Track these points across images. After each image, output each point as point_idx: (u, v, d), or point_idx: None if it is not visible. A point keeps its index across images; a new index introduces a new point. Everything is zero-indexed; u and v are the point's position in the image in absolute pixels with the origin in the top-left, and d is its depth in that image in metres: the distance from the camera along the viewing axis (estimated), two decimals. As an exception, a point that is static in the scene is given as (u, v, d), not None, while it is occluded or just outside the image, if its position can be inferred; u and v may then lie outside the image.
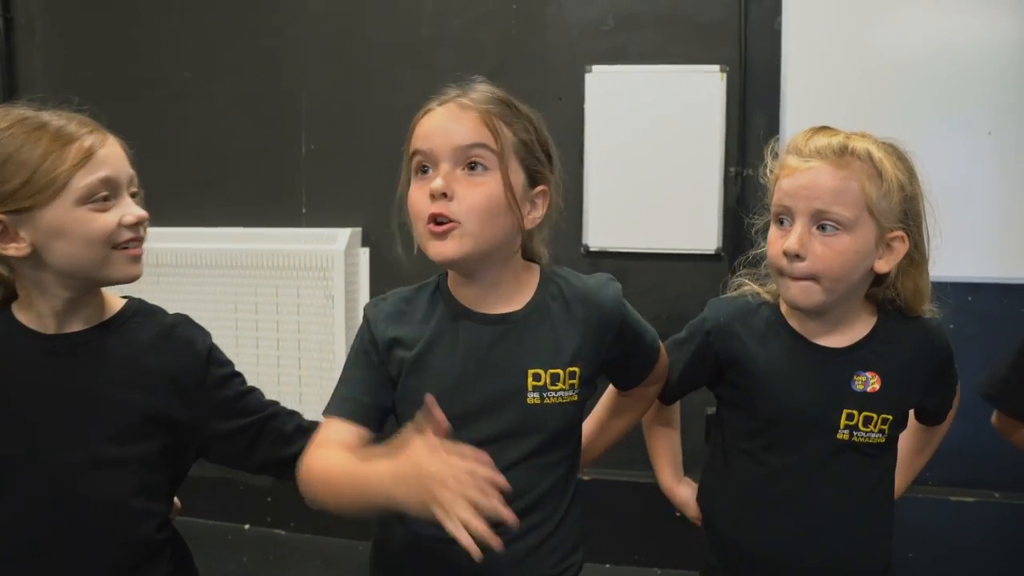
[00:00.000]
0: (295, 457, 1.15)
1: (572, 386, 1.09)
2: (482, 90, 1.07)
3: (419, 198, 1.04)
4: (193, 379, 1.12)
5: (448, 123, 1.04)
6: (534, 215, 1.09)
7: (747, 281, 1.29)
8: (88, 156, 1.02)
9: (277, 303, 2.70)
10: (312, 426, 1.24)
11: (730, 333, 1.23)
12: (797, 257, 1.12)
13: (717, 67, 2.45)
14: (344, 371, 1.13)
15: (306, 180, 2.79)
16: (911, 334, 1.21)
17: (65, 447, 1.05)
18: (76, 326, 1.09)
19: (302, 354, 2.70)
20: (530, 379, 1.07)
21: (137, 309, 1.14)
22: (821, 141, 1.14)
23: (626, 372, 1.23)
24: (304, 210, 2.79)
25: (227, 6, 2.82)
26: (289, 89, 2.78)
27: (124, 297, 1.15)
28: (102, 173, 1.03)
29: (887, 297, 1.21)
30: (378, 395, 1.09)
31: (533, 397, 1.07)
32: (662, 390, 1.31)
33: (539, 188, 1.09)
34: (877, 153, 1.13)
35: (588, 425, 1.28)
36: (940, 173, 2.24)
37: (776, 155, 1.21)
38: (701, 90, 2.46)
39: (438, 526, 0.84)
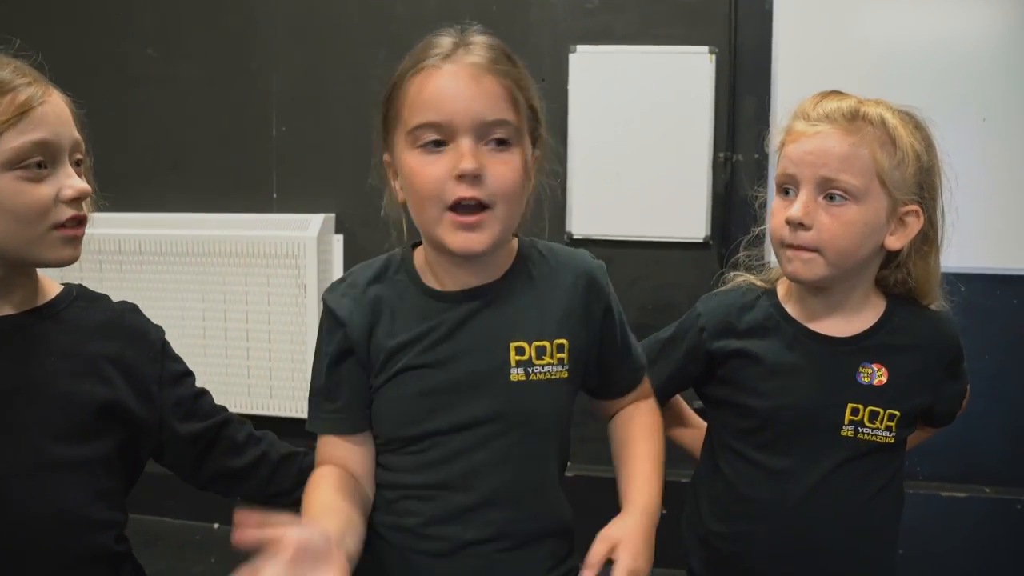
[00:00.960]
0: (244, 471, 1.08)
1: (561, 360, 0.98)
2: (484, 43, 0.94)
3: (436, 176, 0.90)
4: (149, 371, 1.01)
5: (467, 90, 0.89)
6: (531, 182, 0.99)
7: (740, 273, 1.23)
8: (22, 112, 0.87)
9: (246, 292, 2.61)
10: (263, 435, 1.15)
11: (726, 329, 1.16)
12: (801, 226, 1.05)
13: (706, 49, 2.39)
14: (320, 375, 1.01)
15: (277, 164, 2.70)
16: (921, 326, 1.14)
17: (0, 451, 0.90)
18: (5, 310, 0.94)
19: (273, 345, 2.61)
20: (513, 353, 0.96)
21: (79, 294, 1.01)
22: (831, 105, 1.07)
23: (608, 374, 1.10)
24: (275, 195, 2.70)
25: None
26: (259, 68, 2.69)
27: (63, 284, 1.01)
28: (37, 135, 0.88)
29: (897, 280, 1.14)
30: (364, 394, 1.00)
31: (517, 373, 0.96)
32: None
33: (536, 153, 0.98)
34: (892, 119, 1.06)
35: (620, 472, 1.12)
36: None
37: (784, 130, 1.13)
38: (689, 72, 2.41)
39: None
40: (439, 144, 0.91)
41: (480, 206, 0.90)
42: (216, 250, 2.62)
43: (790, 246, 1.07)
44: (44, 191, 0.90)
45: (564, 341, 0.98)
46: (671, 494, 1.38)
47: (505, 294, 0.99)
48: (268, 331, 2.61)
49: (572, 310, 1.01)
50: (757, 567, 1.15)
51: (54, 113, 0.91)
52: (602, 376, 1.07)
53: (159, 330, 1.07)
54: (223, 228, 2.63)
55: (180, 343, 1.06)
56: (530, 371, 0.97)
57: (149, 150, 2.75)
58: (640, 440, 1.08)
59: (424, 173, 0.91)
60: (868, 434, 1.10)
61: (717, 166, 2.41)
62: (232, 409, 1.13)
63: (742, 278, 1.21)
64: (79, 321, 0.98)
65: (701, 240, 2.42)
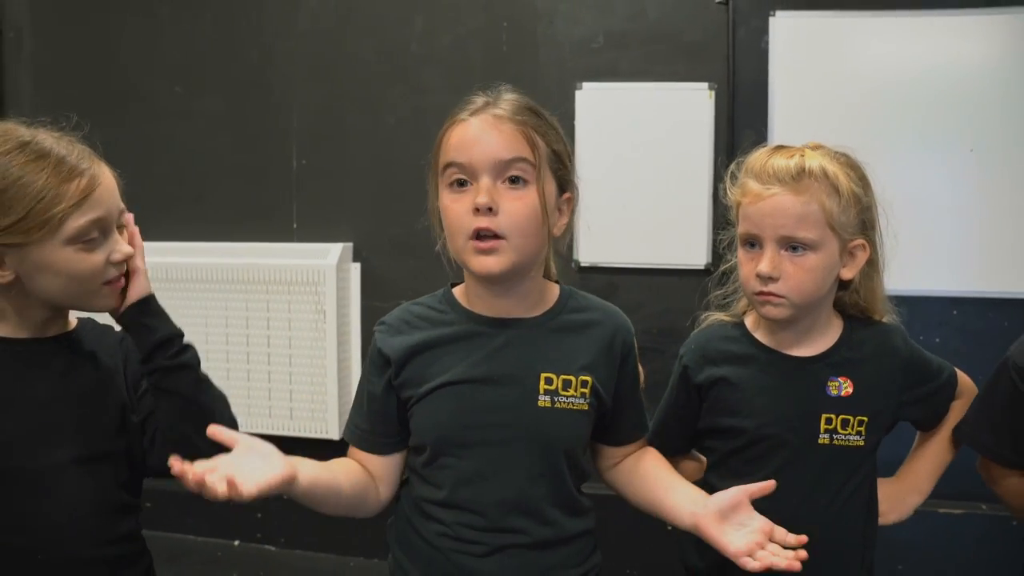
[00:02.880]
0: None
1: (583, 395, 1.10)
2: (511, 99, 1.07)
3: (459, 211, 1.04)
4: (138, 381, 1.15)
5: (486, 135, 1.03)
6: (562, 222, 1.11)
7: (711, 312, 1.34)
8: (85, 197, 1.01)
9: (268, 318, 2.70)
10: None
11: (705, 361, 1.27)
12: (770, 279, 1.17)
13: (705, 85, 2.48)
14: (361, 399, 1.17)
15: (297, 195, 2.80)
16: (873, 340, 1.27)
17: (49, 448, 1.05)
18: (50, 332, 1.10)
19: (293, 369, 2.69)
20: (542, 382, 1.08)
21: (92, 324, 1.17)
22: (779, 163, 1.18)
23: (616, 421, 1.19)
24: (295, 225, 2.79)
25: (216, 24, 2.83)
26: (279, 105, 2.79)
27: (77, 317, 1.17)
28: (95, 214, 1.03)
29: (851, 302, 1.27)
30: (377, 422, 1.14)
31: (544, 400, 1.08)
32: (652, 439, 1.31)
33: (566, 195, 1.11)
34: (832, 168, 1.18)
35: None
36: (923, 189, 2.34)
37: (735, 177, 1.25)
38: (690, 107, 2.49)
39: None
40: (463, 184, 1.04)
41: (495, 236, 1.03)
42: (239, 277, 2.70)
43: (761, 293, 1.19)
44: (98, 258, 1.05)
45: (588, 379, 1.10)
46: None
47: (541, 330, 1.11)
48: (289, 355, 2.69)
49: (599, 354, 1.12)
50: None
51: (107, 192, 1.06)
52: (611, 421, 1.18)
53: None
54: (246, 256, 2.71)
55: (204, 366, 1.17)
56: (556, 400, 1.09)
57: (176, 182, 2.84)
58: (662, 466, 1.21)
59: (452, 208, 1.05)
60: (842, 440, 1.22)
61: (717, 196, 2.42)
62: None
63: (713, 317, 1.33)
64: (97, 344, 1.15)
65: (703, 267, 2.49)
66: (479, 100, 1.07)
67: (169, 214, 2.74)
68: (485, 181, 1.03)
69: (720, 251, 1.34)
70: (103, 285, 1.06)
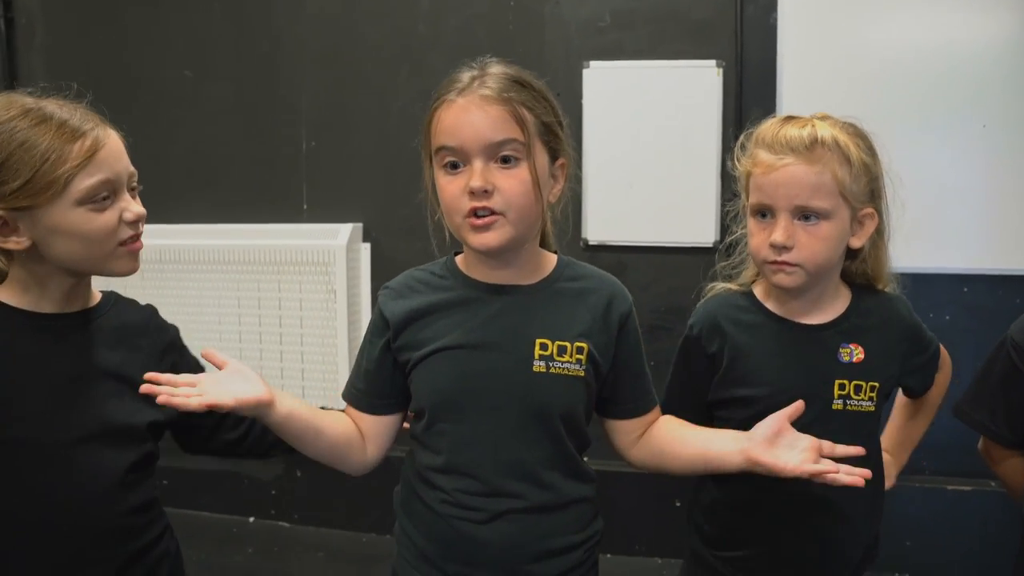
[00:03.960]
0: (241, 439, 1.27)
1: (579, 361, 1.11)
2: (497, 74, 1.08)
3: (455, 192, 1.06)
4: (171, 358, 1.19)
5: (475, 118, 1.04)
6: (556, 188, 1.13)
7: (716, 283, 1.35)
8: (90, 157, 1.03)
9: (280, 298, 2.73)
10: None
11: (716, 329, 1.28)
12: (784, 248, 1.18)
13: (713, 63, 2.47)
14: (361, 360, 1.19)
15: (307, 177, 2.81)
16: (880, 308, 1.29)
17: (69, 422, 1.06)
18: (74, 307, 1.12)
19: (305, 348, 2.72)
20: (537, 348, 1.10)
21: (116, 299, 1.19)
22: (791, 133, 1.19)
23: (622, 391, 1.20)
24: (305, 206, 2.81)
25: (225, 8, 2.83)
26: (288, 88, 2.80)
27: (101, 292, 1.18)
28: (102, 175, 1.04)
29: (858, 271, 1.28)
30: (372, 383, 1.17)
31: (539, 365, 1.10)
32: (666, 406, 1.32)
33: (559, 162, 1.12)
34: (843, 138, 1.18)
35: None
36: (935, 166, 2.32)
37: (744, 147, 1.25)
38: (697, 85, 2.48)
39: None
40: (455, 166, 1.07)
41: (492, 213, 1.05)
42: (251, 259, 2.73)
43: (775, 262, 1.20)
44: (109, 216, 1.06)
45: (584, 345, 1.12)
46: (675, 485, 1.46)
47: (536, 297, 1.13)
48: (300, 334, 2.72)
49: (595, 321, 1.14)
50: (757, 533, 1.26)
51: (114, 153, 1.07)
52: (616, 392, 1.18)
53: (175, 328, 1.25)
54: (257, 238, 2.74)
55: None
56: (551, 365, 1.10)
57: (187, 165, 2.86)
58: (687, 425, 1.22)
59: (447, 189, 1.07)
60: (855, 405, 1.23)
61: (725, 174, 2.46)
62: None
63: (720, 287, 1.34)
64: (120, 319, 1.16)
65: (710, 245, 2.49)
66: (465, 77, 1.08)
67: (181, 197, 2.77)
68: (478, 164, 1.05)
69: (726, 223, 1.34)
70: (118, 246, 1.07)
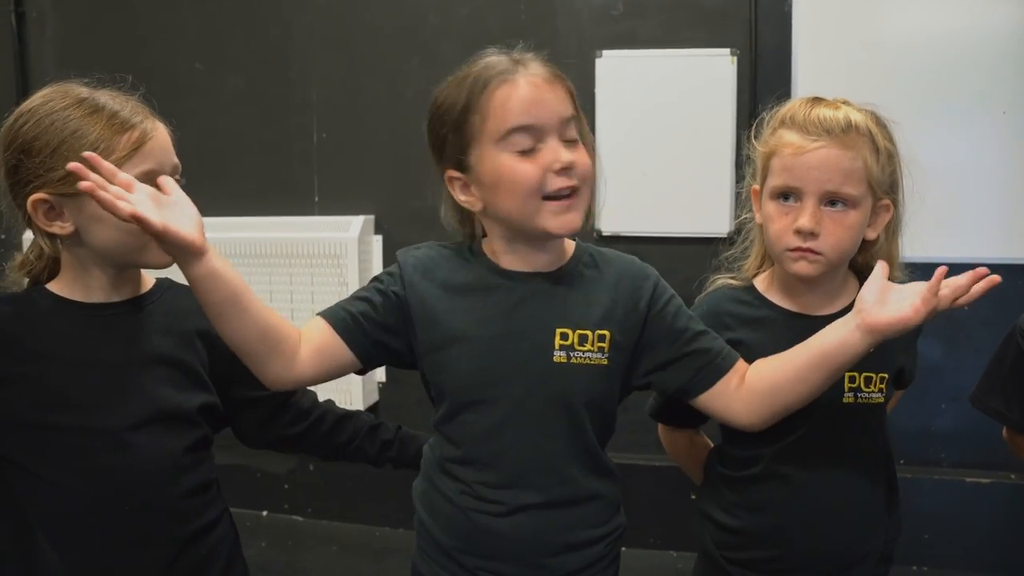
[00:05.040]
0: (302, 435, 1.28)
1: (601, 349, 1.08)
2: (535, 57, 1.08)
3: (533, 173, 1.03)
4: (211, 340, 1.16)
5: (547, 95, 1.04)
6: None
7: (717, 276, 1.31)
8: (136, 148, 1.05)
9: (291, 291, 2.73)
10: (326, 401, 1.34)
11: (721, 325, 1.22)
12: (812, 235, 1.13)
13: (727, 51, 2.45)
14: (360, 291, 1.12)
15: (318, 169, 2.81)
16: None
17: (122, 408, 1.08)
18: (124, 296, 1.13)
19: (316, 342, 2.71)
20: (557, 337, 1.08)
21: (169, 284, 1.20)
22: (825, 114, 1.14)
23: (678, 370, 1.12)
24: (317, 199, 2.81)
25: (236, 0, 2.83)
26: (299, 80, 2.80)
27: (156, 278, 1.20)
28: (146, 166, 1.06)
29: (863, 262, 1.22)
30: (367, 315, 1.08)
31: (559, 356, 1.07)
32: (659, 410, 1.30)
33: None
34: (871, 124, 1.15)
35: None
36: (955, 154, 2.29)
37: (761, 128, 1.21)
38: (711, 74, 2.46)
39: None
40: (529, 145, 1.03)
41: (572, 191, 1.04)
42: (262, 251, 2.73)
43: (798, 249, 1.15)
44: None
45: (606, 332, 1.09)
46: (686, 482, 1.45)
47: (556, 285, 1.11)
48: (312, 327, 2.72)
49: (617, 306, 1.10)
50: (770, 536, 1.23)
51: (160, 145, 1.10)
52: (682, 368, 1.11)
53: None
54: (269, 230, 2.74)
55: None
56: (572, 355, 1.08)
57: (198, 158, 2.82)
58: (778, 352, 1.12)
59: (522, 170, 1.03)
60: (865, 397, 1.19)
61: (740, 164, 2.42)
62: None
63: (720, 281, 1.29)
64: (172, 305, 1.17)
65: (725, 235, 2.45)
66: (502, 59, 1.06)
67: (191, 190, 2.67)
68: (552, 141, 1.03)
69: (737, 207, 1.31)
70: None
